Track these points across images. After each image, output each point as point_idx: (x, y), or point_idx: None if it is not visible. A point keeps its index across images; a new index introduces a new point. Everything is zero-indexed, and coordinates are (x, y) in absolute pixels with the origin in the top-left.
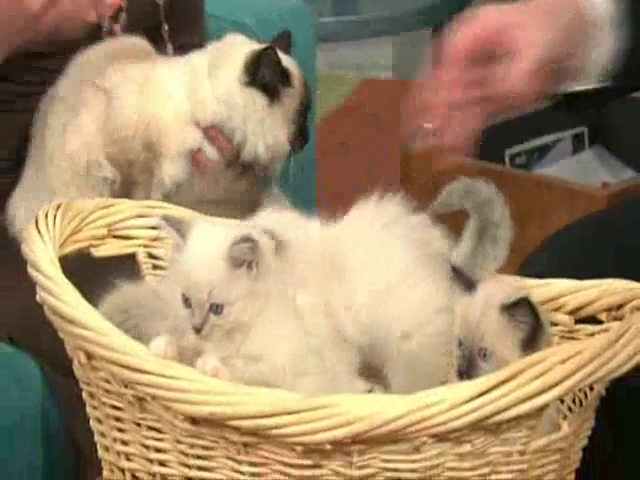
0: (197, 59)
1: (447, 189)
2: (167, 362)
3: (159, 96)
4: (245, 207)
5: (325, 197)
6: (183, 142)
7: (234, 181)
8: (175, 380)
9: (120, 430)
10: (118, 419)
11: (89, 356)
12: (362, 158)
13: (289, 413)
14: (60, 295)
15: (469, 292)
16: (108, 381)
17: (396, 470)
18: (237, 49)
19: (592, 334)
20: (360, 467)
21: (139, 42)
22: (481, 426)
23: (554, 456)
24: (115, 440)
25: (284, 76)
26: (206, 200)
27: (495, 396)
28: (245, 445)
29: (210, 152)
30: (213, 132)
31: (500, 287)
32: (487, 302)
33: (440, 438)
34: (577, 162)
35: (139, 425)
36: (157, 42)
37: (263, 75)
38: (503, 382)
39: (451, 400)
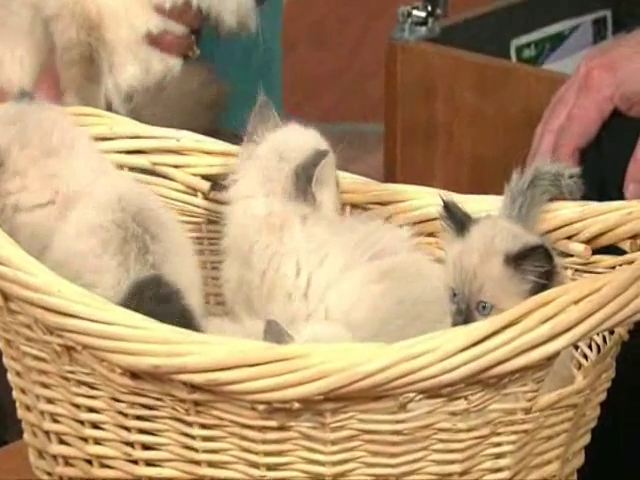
0: None
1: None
2: (101, 304)
3: None
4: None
5: (294, 96)
6: (137, 28)
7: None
8: (111, 326)
9: (44, 385)
10: (42, 372)
11: (5, 297)
12: (340, 46)
13: (249, 365)
14: None
15: (462, 234)
16: (30, 327)
17: (377, 432)
18: None
19: (613, 267)
20: (334, 429)
21: None
22: (479, 379)
23: (566, 414)
24: (38, 397)
25: None
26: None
27: (496, 344)
28: (196, 404)
29: (176, 28)
30: (181, 9)
31: (501, 227)
32: (486, 247)
33: (430, 394)
34: None
35: (67, 380)
36: None
37: None
38: (505, 327)
39: (444, 349)
